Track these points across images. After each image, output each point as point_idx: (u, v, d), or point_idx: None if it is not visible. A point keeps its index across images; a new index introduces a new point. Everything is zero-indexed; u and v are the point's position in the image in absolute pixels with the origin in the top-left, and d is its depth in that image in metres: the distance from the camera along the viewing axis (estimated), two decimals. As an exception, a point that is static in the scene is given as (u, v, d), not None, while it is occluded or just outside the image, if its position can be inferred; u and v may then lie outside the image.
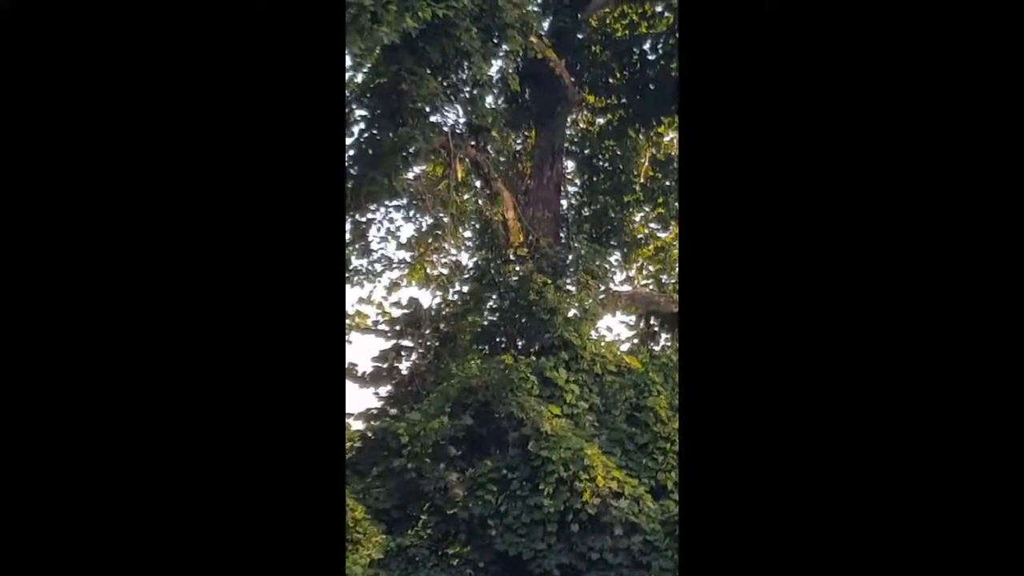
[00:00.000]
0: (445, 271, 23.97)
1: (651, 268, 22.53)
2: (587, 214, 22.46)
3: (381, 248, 23.81)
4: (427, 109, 20.37)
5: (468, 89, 21.46)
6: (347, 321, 20.48)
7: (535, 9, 19.62)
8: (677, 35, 22.21)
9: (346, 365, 21.75)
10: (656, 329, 22.70)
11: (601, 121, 22.95)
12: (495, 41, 20.01)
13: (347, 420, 19.75)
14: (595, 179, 22.91)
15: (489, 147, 22.61)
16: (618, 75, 21.83)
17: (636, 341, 22.12)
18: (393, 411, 21.15)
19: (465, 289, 22.80)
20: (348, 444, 18.14)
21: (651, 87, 23.16)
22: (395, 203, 23.30)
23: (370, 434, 20.81)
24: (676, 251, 22.78)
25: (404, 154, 21.08)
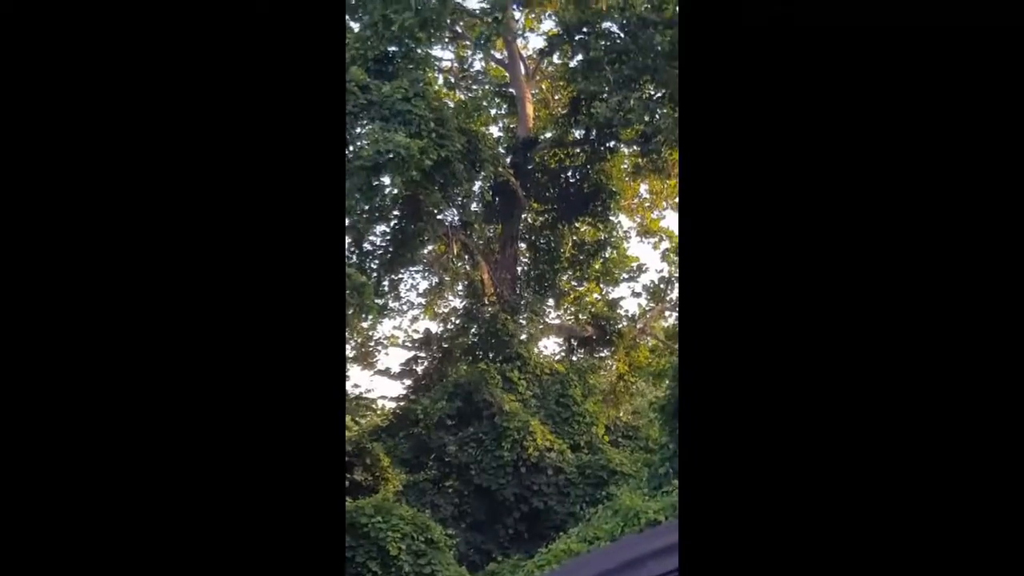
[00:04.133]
0: (446, 310, 25.71)
1: (572, 309, 24.64)
2: (532, 275, 24.14)
3: (407, 295, 25.61)
4: (435, 211, 21.62)
5: (460, 199, 22.22)
6: (385, 340, 21.15)
7: (502, 150, 20.42)
8: (592, 158, 21.95)
9: (381, 368, 22.12)
10: (575, 346, 21.55)
11: (541, 219, 25.09)
12: (476, 169, 21.53)
13: (383, 402, 20.08)
14: (537, 254, 25.37)
15: (473, 235, 23.65)
16: (551, 191, 23.79)
17: (562, 354, 21.11)
18: (412, 397, 19.39)
19: (457, 322, 24.07)
20: (383, 417, 18.44)
21: (572, 198, 24.32)
22: (415, 268, 24.72)
23: (398, 411, 22.07)
24: (588, 299, 22.62)
25: (421, 238, 22.04)
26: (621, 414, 24.39)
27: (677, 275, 24.21)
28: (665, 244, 25.12)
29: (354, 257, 21.08)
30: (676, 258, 24.30)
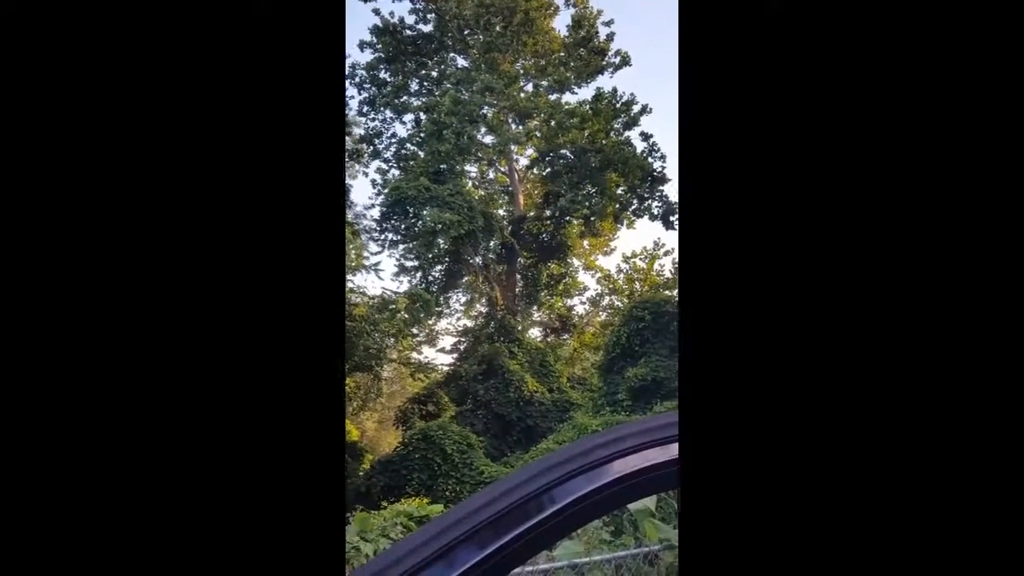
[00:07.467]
0: (475, 314, 27.66)
1: (547, 312, 24.35)
2: (524, 294, 25.01)
3: (454, 305, 25.36)
4: (468, 258, 26.17)
5: (482, 251, 20.57)
6: (441, 331, 21.24)
7: (505, 223, 21.10)
8: (556, 227, 21.66)
9: (439, 347, 21.84)
10: (549, 333, 21.06)
11: (529, 262, 23.87)
12: (491, 234, 25.10)
13: (442, 367, 19.50)
14: (527, 281, 25.91)
15: (491, 271, 22.76)
16: (534, 246, 24.46)
17: (541, 338, 20.61)
18: (458, 363, 18.92)
19: (482, 320, 22.71)
20: (442, 375, 17.79)
21: (545, 250, 25.32)
22: (458, 290, 23.41)
23: (450, 372, 22.56)
24: (556, 307, 22.04)
25: (461, 273, 21.29)
26: (576, 370, 25.06)
27: (609, 293, 23.71)
28: (598, 275, 25.47)
29: (424, 283, 21.21)
30: (606, 281, 23.77)
